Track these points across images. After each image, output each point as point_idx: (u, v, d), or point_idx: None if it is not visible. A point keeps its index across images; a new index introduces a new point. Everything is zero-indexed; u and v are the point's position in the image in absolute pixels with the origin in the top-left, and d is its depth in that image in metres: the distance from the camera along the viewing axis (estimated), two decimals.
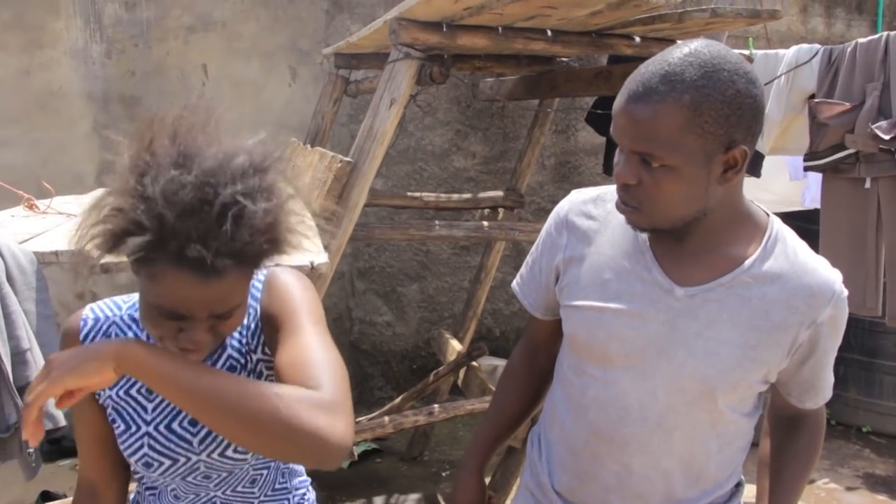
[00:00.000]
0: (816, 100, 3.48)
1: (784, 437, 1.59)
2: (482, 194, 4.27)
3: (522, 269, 1.69)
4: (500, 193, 4.25)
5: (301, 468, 1.62)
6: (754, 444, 1.57)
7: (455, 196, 4.19)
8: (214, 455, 1.37)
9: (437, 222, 3.19)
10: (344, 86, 3.99)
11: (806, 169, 3.63)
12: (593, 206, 1.53)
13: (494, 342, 5.31)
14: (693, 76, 1.23)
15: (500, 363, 4.86)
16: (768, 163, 3.85)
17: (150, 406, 1.37)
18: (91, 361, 1.08)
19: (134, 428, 1.36)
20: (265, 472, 1.49)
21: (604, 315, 1.44)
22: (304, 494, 1.60)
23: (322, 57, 4.60)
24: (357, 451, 4.14)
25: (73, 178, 4.33)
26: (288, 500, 1.54)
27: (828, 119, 3.35)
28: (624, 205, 1.36)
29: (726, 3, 3.03)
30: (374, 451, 4.55)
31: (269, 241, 1.16)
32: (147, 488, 1.50)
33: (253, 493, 1.48)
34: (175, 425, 1.36)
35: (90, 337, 1.40)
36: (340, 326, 5.11)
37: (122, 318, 1.43)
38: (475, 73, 4.38)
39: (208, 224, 1.09)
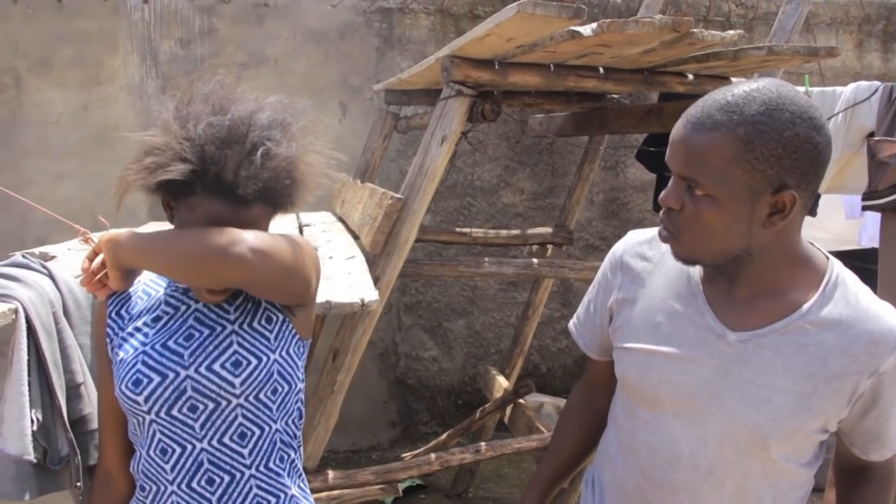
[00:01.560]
0: (876, 138, 3.41)
1: (849, 490, 1.52)
2: (531, 230, 4.25)
3: (579, 310, 1.68)
4: (548, 230, 4.22)
5: (303, 473, 1.59)
6: (818, 489, 1.50)
7: (503, 232, 4.18)
8: (202, 369, 1.41)
9: (486, 259, 3.18)
10: (394, 122, 4.02)
11: (864, 208, 3.55)
12: (648, 247, 1.52)
13: (541, 379, 5.26)
14: (752, 111, 1.22)
15: (547, 400, 4.81)
16: (823, 201, 3.78)
17: (151, 332, 1.47)
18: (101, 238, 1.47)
19: (132, 351, 1.45)
20: (256, 430, 1.45)
21: (654, 358, 1.42)
22: None
23: (372, 93, 4.64)
24: (402, 487, 4.10)
25: (127, 211, 4.38)
26: (280, 497, 1.49)
27: (888, 158, 3.28)
28: (664, 230, 1.35)
29: (781, 39, 2.99)
30: (419, 486, 4.51)
31: (291, 179, 1.41)
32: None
33: (242, 454, 1.45)
34: (171, 342, 1.45)
35: (120, 295, 1.54)
36: (386, 361, 5.10)
37: (150, 278, 1.57)
38: (524, 110, 4.39)
39: (241, 155, 1.34)
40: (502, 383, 4.07)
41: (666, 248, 1.44)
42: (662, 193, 1.33)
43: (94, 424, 1.81)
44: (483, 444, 3.33)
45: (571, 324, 1.70)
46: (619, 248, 1.57)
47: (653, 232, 1.53)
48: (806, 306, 1.33)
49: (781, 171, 1.22)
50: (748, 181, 1.23)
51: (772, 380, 1.33)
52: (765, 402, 1.33)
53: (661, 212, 1.36)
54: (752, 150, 1.21)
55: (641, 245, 1.53)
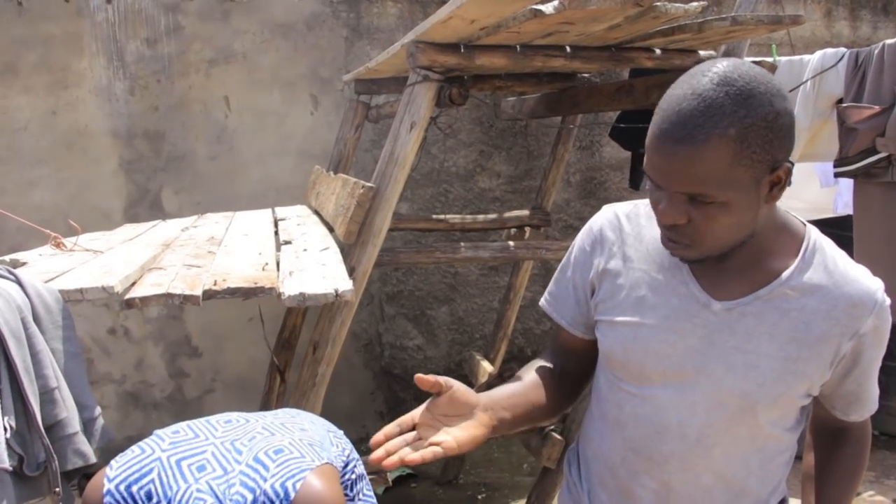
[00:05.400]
0: (845, 104, 3.42)
1: (829, 451, 1.55)
2: (508, 214, 4.25)
3: (551, 286, 1.64)
4: (526, 212, 4.22)
5: (364, 477, 1.59)
6: (797, 458, 1.52)
7: (481, 217, 4.18)
8: None
9: (462, 244, 3.17)
10: (365, 111, 4.00)
11: (836, 175, 3.56)
12: (626, 220, 1.50)
13: (526, 362, 5.25)
14: (733, 107, 1.17)
15: None
16: (798, 170, 3.77)
17: None
18: None
19: None
20: None
21: (640, 331, 1.41)
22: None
23: (343, 84, 4.62)
24: (391, 476, 4.11)
25: (101, 214, 4.37)
26: None
27: (857, 123, 3.28)
28: (673, 243, 1.32)
29: (747, 10, 2.99)
30: (409, 476, 4.51)
31: None
32: None
33: None
34: None
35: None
36: (371, 352, 5.09)
37: (166, 459, 1.37)
38: (496, 93, 4.38)
39: None
40: (487, 368, 4.07)
41: (645, 219, 1.46)
42: (661, 210, 1.27)
43: (71, 429, 1.80)
44: None
45: (544, 301, 1.65)
46: (596, 221, 1.55)
47: (630, 205, 1.52)
48: (787, 272, 1.34)
49: (773, 151, 1.21)
50: (752, 174, 1.21)
51: (758, 346, 1.34)
52: (752, 369, 1.34)
53: (663, 227, 1.31)
54: (748, 145, 1.18)
55: (619, 218, 1.51)
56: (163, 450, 1.36)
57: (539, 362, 1.64)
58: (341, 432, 1.61)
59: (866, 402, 1.46)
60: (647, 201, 1.43)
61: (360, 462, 1.61)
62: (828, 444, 1.55)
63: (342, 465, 1.54)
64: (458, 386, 1.32)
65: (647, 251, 1.45)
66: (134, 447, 1.37)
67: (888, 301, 1.36)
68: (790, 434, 1.44)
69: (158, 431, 1.41)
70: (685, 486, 1.42)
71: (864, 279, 1.36)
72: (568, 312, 1.60)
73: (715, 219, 1.24)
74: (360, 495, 1.58)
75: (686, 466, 1.41)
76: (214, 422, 1.46)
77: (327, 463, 1.39)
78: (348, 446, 1.61)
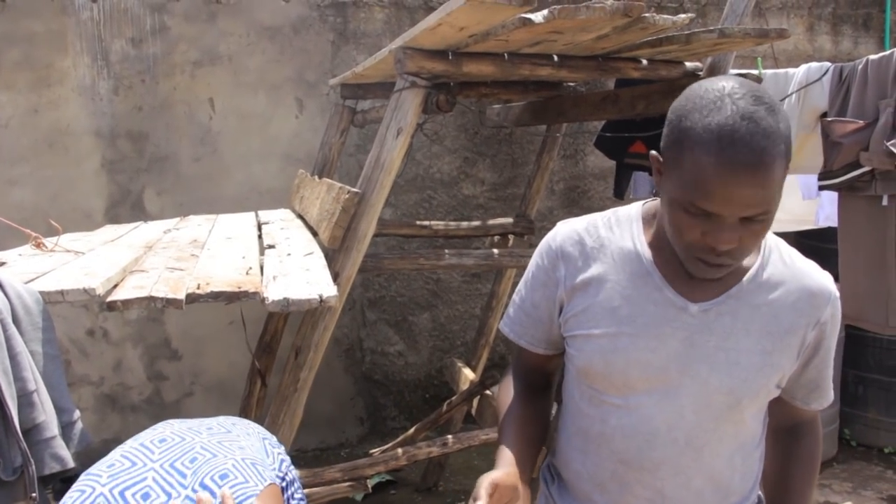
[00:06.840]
0: (829, 118, 3.44)
1: (785, 448, 1.61)
2: (492, 221, 4.25)
3: (510, 309, 1.64)
4: (509, 220, 4.22)
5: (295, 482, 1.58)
6: None
7: (464, 224, 4.17)
8: None
9: (446, 251, 3.17)
10: (351, 116, 3.99)
11: (821, 188, 3.58)
12: (586, 234, 1.51)
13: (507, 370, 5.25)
14: (776, 123, 1.20)
15: None
16: None
17: None
18: None
19: None
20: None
21: (619, 341, 1.42)
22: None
23: (328, 88, 4.60)
24: (371, 483, 4.08)
25: (82, 214, 4.33)
26: None
27: (841, 137, 3.31)
28: (722, 268, 1.32)
29: (733, 23, 3.01)
30: (389, 482, 4.49)
31: None
32: None
33: None
34: None
35: None
36: (352, 357, 5.07)
37: (109, 492, 1.35)
38: (482, 100, 4.38)
39: None
40: (468, 375, 4.06)
41: (605, 231, 1.49)
42: (720, 238, 1.25)
43: (49, 433, 1.77)
44: (450, 436, 3.32)
45: (503, 324, 1.65)
46: (555, 239, 1.54)
47: (585, 219, 1.54)
48: (752, 270, 1.42)
49: (789, 150, 1.25)
50: (783, 181, 1.26)
51: (737, 343, 1.39)
52: (734, 366, 1.39)
53: (713, 253, 1.29)
54: (789, 156, 1.24)
55: (578, 233, 1.52)
56: (102, 484, 1.34)
57: (510, 390, 1.66)
58: (274, 438, 1.59)
59: (825, 390, 1.55)
60: (601, 214, 1.51)
61: (293, 467, 1.60)
62: (784, 442, 1.61)
63: (281, 477, 1.53)
64: (499, 480, 1.37)
65: (613, 262, 1.47)
66: (72, 492, 1.35)
67: (838, 292, 1.47)
68: (762, 427, 1.52)
69: (91, 469, 1.38)
70: (678, 490, 1.44)
71: (816, 272, 1.46)
72: (531, 332, 1.61)
73: (760, 234, 1.28)
74: (292, 500, 1.57)
75: (677, 471, 1.43)
76: (149, 443, 1.43)
77: (271, 484, 1.38)
78: (281, 451, 1.60)
